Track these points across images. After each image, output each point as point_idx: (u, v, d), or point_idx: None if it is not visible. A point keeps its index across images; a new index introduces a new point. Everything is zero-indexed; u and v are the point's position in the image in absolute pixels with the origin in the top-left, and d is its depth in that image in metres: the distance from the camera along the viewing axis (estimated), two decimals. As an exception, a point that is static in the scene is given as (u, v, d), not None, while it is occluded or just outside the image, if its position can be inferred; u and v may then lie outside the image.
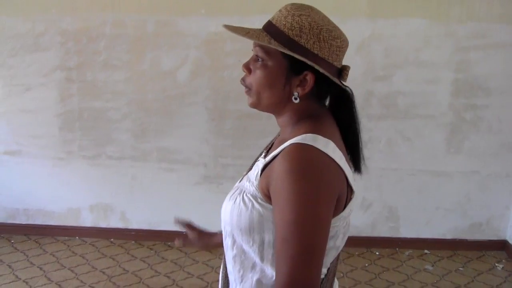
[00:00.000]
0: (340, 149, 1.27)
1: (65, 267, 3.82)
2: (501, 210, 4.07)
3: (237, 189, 1.38)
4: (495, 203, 4.06)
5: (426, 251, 4.13)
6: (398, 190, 4.05)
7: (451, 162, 3.96)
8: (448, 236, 4.12)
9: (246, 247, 1.34)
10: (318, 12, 1.31)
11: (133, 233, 4.21)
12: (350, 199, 1.32)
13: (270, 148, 1.48)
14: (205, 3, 3.76)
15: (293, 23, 1.27)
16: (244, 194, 1.32)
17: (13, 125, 4.11)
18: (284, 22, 1.28)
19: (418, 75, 3.80)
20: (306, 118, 1.34)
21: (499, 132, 3.89)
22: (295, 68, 1.30)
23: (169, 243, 4.14)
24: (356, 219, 3.92)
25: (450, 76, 3.79)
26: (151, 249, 4.12)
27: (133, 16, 3.82)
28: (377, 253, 4.11)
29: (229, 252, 1.41)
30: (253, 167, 1.42)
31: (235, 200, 1.34)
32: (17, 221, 4.28)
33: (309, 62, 1.26)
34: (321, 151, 1.22)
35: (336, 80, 1.31)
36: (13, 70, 4.00)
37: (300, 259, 1.16)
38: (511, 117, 3.87)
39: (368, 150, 3.73)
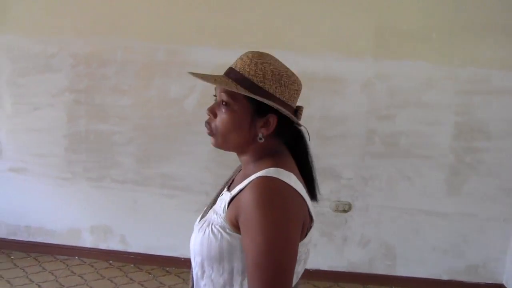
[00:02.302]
0: (300, 181, 1.50)
1: (63, 286, 4.15)
2: (498, 254, 4.37)
3: (204, 222, 1.56)
4: (492, 247, 4.36)
5: (422, 290, 4.42)
6: (396, 228, 4.35)
7: (449, 203, 4.27)
8: (444, 277, 4.41)
9: (216, 276, 1.52)
10: (277, 60, 1.55)
11: (132, 256, 4.55)
12: (310, 227, 1.53)
13: (231, 183, 1.68)
14: (216, 35, 4.12)
15: (256, 70, 1.49)
16: (213, 226, 1.51)
17: (20, 143, 4.49)
18: (248, 70, 1.50)
19: (420, 116, 4.14)
20: (268, 155, 1.54)
21: (498, 176, 4.21)
22: (259, 111, 1.51)
23: (167, 268, 4.48)
24: (353, 255, 4.28)
25: (451, 118, 4.13)
26: (149, 273, 4.44)
27: (144, 43, 4.18)
28: (372, 290, 4.42)
29: (199, 282, 1.59)
30: (218, 200, 1.61)
31: (204, 231, 1.52)
32: (18, 238, 4.63)
33: (274, 106, 1.48)
34: (285, 182, 1.42)
35: (295, 120, 1.55)
36: (23, 89, 4.38)
37: (273, 283, 1.35)
38: (510, 162, 4.19)
39: (368, 188, 4.11)
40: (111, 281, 4.26)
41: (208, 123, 1.56)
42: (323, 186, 4.22)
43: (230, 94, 1.50)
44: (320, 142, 4.14)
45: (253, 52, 1.54)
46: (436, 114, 4.13)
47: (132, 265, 4.53)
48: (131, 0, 4.19)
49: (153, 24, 4.15)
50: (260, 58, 1.52)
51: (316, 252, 4.30)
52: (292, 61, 4.04)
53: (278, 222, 1.38)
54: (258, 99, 1.47)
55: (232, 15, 4.10)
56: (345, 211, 4.29)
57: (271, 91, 1.50)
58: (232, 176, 1.74)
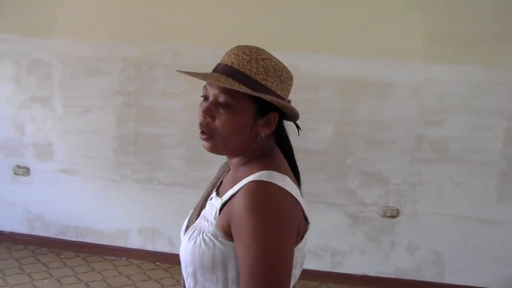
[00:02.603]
0: (293, 181, 1.43)
1: (111, 286, 4.25)
2: (551, 263, 4.29)
3: (195, 229, 1.48)
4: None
5: (471, 299, 4.37)
6: (445, 235, 4.31)
7: (500, 211, 4.22)
8: (495, 287, 4.34)
9: (210, 285, 1.44)
10: (271, 54, 1.47)
11: (179, 258, 4.57)
12: (306, 229, 1.46)
13: (219, 186, 1.61)
14: (263, 38, 4.11)
15: (258, 67, 1.41)
16: (204, 234, 1.42)
17: (70, 145, 4.62)
18: (249, 67, 1.40)
19: (471, 121, 4.11)
20: (259, 156, 1.47)
21: (551, 183, 4.15)
22: (262, 110, 1.43)
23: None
24: (401, 261, 4.26)
25: (502, 124, 4.10)
26: (195, 275, 4.48)
27: (193, 47, 4.26)
28: (421, 297, 4.40)
29: None
30: (207, 205, 1.53)
31: (195, 240, 1.43)
32: (67, 238, 4.76)
33: (284, 104, 1.43)
34: (279, 186, 1.35)
35: (297, 116, 1.49)
36: (74, 91, 4.51)
37: None
38: None
39: (416, 193, 4.09)
40: (158, 282, 4.34)
41: (205, 126, 1.44)
42: (371, 191, 4.26)
43: (232, 94, 1.40)
44: (368, 147, 4.16)
45: (247, 47, 1.45)
46: (487, 120, 4.10)
47: (178, 267, 4.56)
48: (180, 5, 4.28)
49: (202, 28, 4.22)
50: (260, 54, 1.43)
51: (363, 258, 4.31)
52: (341, 65, 4.11)
53: (273, 230, 1.31)
54: (266, 99, 1.41)
55: (281, 19, 4.15)
56: (392, 216, 4.28)
57: (273, 88, 1.43)
58: (220, 178, 1.67)
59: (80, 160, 4.59)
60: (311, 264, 4.35)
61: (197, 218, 1.55)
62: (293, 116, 1.51)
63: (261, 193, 1.34)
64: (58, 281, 4.25)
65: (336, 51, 4.05)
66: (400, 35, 4.05)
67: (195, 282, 1.48)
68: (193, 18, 4.24)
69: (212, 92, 1.44)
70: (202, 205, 1.59)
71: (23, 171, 4.71)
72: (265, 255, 1.29)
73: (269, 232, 1.31)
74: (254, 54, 1.43)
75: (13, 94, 4.62)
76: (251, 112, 1.42)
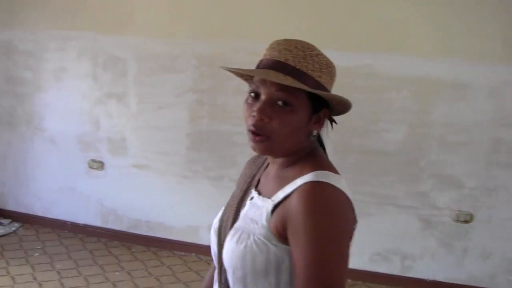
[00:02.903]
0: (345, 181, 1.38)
1: (180, 281, 4.34)
2: None
3: (241, 232, 1.40)
4: None
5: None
6: (521, 242, 4.21)
7: None
8: None
9: None
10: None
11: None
12: (354, 229, 1.39)
13: (257, 184, 1.54)
14: (337, 37, 4.16)
15: (314, 64, 1.37)
16: (255, 237, 1.36)
17: (144, 141, 4.74)
18: (305, 64, 1.36)
19: (553, 125, 4.00)
20: (307, 155, 1.43)
21: None
22: (316, 107, 1.40)
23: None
24: (473, 268, 4.20)
25: None
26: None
27: (267, 45, 4.27)
28: (494, 305, 4.31)
29: None
30: (248, 205, 1.47)
31: (245, 244, 1.36)
32: (139, 232, 4.88)
33: (339, 99, 1.38)
34: (335, 187, 1.31)
35: (349, 107, 1.43)
36: (148, 88, 4.63)
37: None
38: None
39: (492, 199, 4.01)
40: (227, 279, 4.39)
41: (260, 127, 1.37)
42: (444, 195, 4.18)
43: (291, 92, 1.34)
44: (442, 149, 4.11)
45: (298, 42, 1.41)
46: None
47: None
48: (255, 3, 4.34)
49: (275, 26, 4.24)
50: (312, 50, 1.39)
51: (434, 262, 4.26)
52: (415, 65, 4.06)
53: (332, 233, 1.27)
54: (325, 96, 1.38)
55: (354, 19, 4.15)
56: (466, 221, 4.21)
57: (326, 84, 1.40)
58: (253, 175, 1.61)
59: (153, 156, 4.70)
60: (380, 267, 4.34)
61: (234, 218, 1.49)
62: (344, 108, 1.45)
63: (320, 195, 1.31)
64: (129, 274, 4.37)
65: (411, 51, 4.01)
66: (476, 34, 3.97)
67: (245, 287, 1.40)
68: (267, 16, 4.29)
69: (266, 90, 1.37)
70: (238, 205, 1.53)
71: (98, 165, 4.86)
72: (323, 258, 1.25)
73: (328, 236, 1.27)
74: (308, 50, 1.38)
75: (89, 90, 4.78)
76: (307, 110, 1.38)
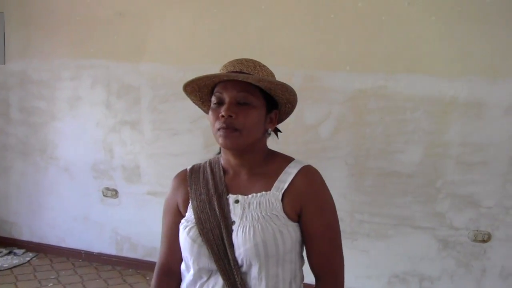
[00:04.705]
0: None
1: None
2: None
3: (256, 224, 1.58)
4: None
5: None
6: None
7: None
8: None
9: (279, 271, 1.61)
10: None
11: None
12: None
13: (227, 190, 1.72)
14: (350, 60, 4.23)
15: (263, 71, 1.67)
16: (273, 222, 1.59)
17: (158, 168, 4.77)
18: (257, 71, 1.66)
19: None
20: (270, 150, 1.77)
21: None
22: (269, 107, 1.70)
23: None
24: None
25: None
26: None
27: (281, 68, 4.31)
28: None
29: (257, 284, 1.59)
30: (243, 205, 1.64)
31: (263, 231, 1.57)
32: (154, 259, 4.80)
33: (282, 90, 1.66)
34: None
35: (291, 110, 1.79)
36: (162, 115, 4.68)
37: (341, 249, 1.69)
38: None
39: (510, 217, 3.97)
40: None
41: (229, 123, 1.60)
42: (461, 214, 4.18)
43: (250, 92, 1.63)
44: (458, 169, 4.12)
45: (248, 59, 1.72)
46: None
47: None
48: (267, 28, 4.41)
49: (289, 49, 4.32)
50: (260, 63, 1.70)
51: (453, 283, 4.25)
52: (428, 84, 4.09)
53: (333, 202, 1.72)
54: (281, 84, 1.64)
55: (368, 40, 4.20)
56: (484, 241, 4.22)
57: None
58: (215, 184, 1.76)
59: (168, 183, 4.62)
60: (399, 289, 4.35)
61: (226, 222, 1.63)
62: (292, 106, 1.76)
63: (319, 174, 1.70)
64: (144, 303, 4.37)
65: (424, 71, 4.05)
66: (491, 52, 3.99)
67: (267, 274, 1.59)
68: (280, 40, 4.36)
69: (229, 93, 1.64)
70: (221, 209, 1.66)
71: (112, 193, 4.89)
72: (337, 221, 1.70)
73: (334, 203, 1.71)
74: (256, 62, 1.70)
75: (103, 117, 4.84)
76: (264, 108, 1.67)
